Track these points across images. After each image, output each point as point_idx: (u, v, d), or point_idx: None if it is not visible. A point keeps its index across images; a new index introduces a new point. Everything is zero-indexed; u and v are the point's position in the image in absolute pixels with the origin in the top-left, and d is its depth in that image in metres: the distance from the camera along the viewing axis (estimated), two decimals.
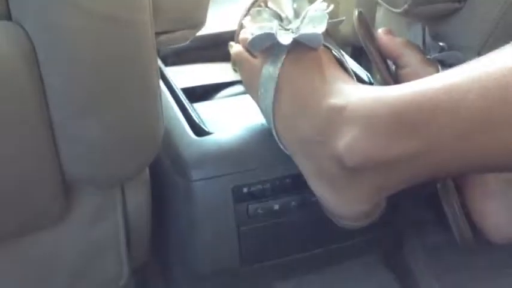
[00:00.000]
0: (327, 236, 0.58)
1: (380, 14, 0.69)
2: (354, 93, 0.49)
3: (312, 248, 0.60)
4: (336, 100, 0.49)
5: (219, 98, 0.71)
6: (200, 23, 0.51)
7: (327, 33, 0.55)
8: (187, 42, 0.54)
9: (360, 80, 0.65)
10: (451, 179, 0.54)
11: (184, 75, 0.74)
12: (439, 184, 0.55)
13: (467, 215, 0.55)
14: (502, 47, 0.43)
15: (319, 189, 0.51)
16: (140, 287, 0.70)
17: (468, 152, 0.43)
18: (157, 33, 0.48)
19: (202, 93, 0.71)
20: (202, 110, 0.64)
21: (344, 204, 0.50)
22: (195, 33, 0.53)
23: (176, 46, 0.77)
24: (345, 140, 0.47)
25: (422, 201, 0.63)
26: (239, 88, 0.72)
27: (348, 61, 0.57)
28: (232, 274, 0.59)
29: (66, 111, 0.45)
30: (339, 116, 0.48)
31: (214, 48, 0.76)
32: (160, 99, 0.49)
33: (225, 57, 0.63)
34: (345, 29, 0.76)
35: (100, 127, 0.46)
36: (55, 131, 0.46)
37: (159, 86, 0.48)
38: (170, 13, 0.48)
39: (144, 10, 0.42)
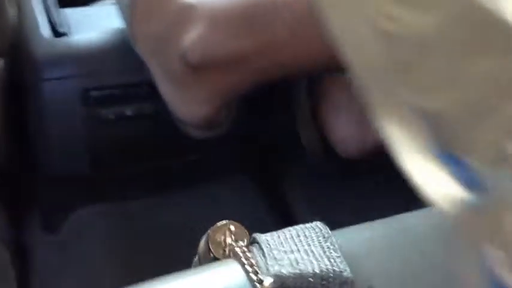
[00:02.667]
0: (182, 146, 0.59)
1: None
2: None
3: (167, 159, 0.60)
4: None
5: (95, 5, 0.69)
6: None
7: None
8: None
9: None
10: (304, 92, 0.55)
11: None
12: (294, 104, 0.56)
13: (320, 128, 0.56)
14: None
15: (165, 89, 0.52)
16: (8, 193, 0.69)
17: (300, 47, 0.45)
18: None
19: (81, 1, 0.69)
20: (69, 14, 0.62)
21: (187, 105, 0.51)
22: None
23: None
24: (190, 36, 0.48)
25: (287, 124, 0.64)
26: None
27: None
28: (83, 181, 0.59)
29: None
30: (187, 13, 0.49)
31: None
32: None
33: None
34: None
35: None
36: None
37: None
38: None
39: None
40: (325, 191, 0.68)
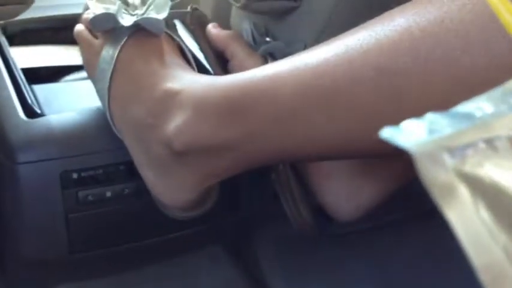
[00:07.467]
0: (163, 225, 0.58)
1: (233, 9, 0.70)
2: (189, 79, 0.49)
3: (147, 238, 0.59)
4: (171, 84, 0.49)
5: (64, 81, 0.68)
6: None
7: (170, 23, 0.56)
8: (17, 17, 0.51)
9: (206, 71, 0.65)
10: (285, 165, 0.55)
11: (30, 56, 0.71)
12: (273, 174, 0.56)
13: (308, 198, 0.56)
14: (324, 42, 0.44)
15: (147, 174, 0.50)
16: None
17: (286, 138, 0.44)
18: None
19: (47, 75, 0.68)
20: (40, 92, 0.61)
21: (171, 191, 0.49)
22: (24, 9, 0.50)
23: (25, 26, 0.74)
24: (175, 123, 0.47)
25: (270, 192, 0.64)
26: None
27: (194, 52, 0.58)
28: (62, 263, 0.57)
29: None
30: (172, 99, 0.48)
31: (65, 31, 0.73)
32: None
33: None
34: None
35: None
36: None
37: None
38: None
39: None
40: (299, 259, 0.68)
